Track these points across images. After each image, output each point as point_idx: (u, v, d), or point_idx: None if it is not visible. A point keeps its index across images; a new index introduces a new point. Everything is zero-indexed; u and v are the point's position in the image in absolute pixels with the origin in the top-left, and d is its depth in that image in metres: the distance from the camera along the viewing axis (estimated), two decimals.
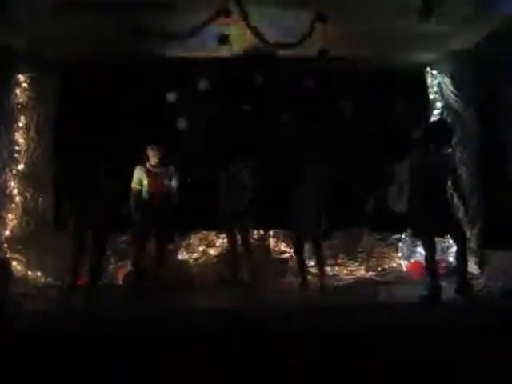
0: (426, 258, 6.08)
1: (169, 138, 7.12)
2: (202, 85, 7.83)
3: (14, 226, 7.39)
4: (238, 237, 7.17)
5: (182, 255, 7.70)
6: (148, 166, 6.70)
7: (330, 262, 7.62)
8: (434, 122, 7.57)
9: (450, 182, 6.17)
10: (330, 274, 7.31)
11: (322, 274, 6.85)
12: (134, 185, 6.65)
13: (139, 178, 6.66)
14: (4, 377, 3.95)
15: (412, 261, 7.56)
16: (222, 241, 7.69)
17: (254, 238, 7.67)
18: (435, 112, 8.06)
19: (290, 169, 6.95)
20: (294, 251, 7.04)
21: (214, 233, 7.81)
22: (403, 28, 6.73)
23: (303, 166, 6.84)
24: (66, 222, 6.49)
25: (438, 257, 7.49)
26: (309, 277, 7.04)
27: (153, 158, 6.68)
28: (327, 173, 6.75)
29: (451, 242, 7.68)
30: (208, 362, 4.16)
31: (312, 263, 7.22)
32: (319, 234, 6.84)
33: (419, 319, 5.34)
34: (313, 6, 6.23)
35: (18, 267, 7.23)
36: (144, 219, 6.59)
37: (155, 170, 6.68)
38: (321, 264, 6.89)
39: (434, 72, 8.10)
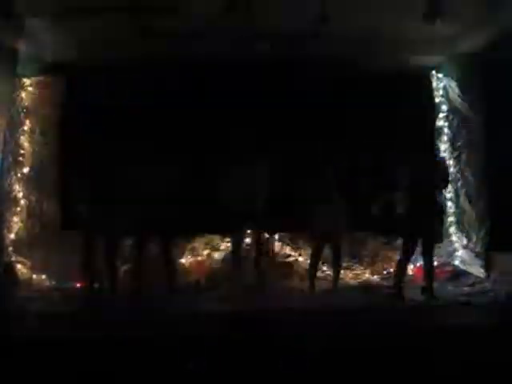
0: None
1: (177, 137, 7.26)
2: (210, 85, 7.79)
3: (19, 229, 7.41)
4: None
5: (187, 259, 7.68)
6: None
7: None
8: None
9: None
10: None
11: (336, 277, 6.93)
12: None
13: None
14: (7, 379, 3.96)
15: (418, 265, 7.50)
16: (226, 244, 7.66)
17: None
18: (441, 115, 8.03)
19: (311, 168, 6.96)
20: (314, 253, 6.96)
21: (218, 236, 7.79)
22: (408, 30, 6.71)
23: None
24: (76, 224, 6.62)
25: (443, 260, 7.57)
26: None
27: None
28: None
29: (457, 245, 7.71)
30: (210, 364, 4.15)
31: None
32: (341, 236, 6.93)
33: (420, 323, 5.37)
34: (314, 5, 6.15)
35: (23, 270, 7.25)
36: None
37: None
38: (338, 267, 6.97)
39: (440, 75, 8.07)
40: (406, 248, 6.50)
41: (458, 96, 7.71)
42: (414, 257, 7.41)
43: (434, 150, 7.37)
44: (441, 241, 6.92)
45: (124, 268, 6.97)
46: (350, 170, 7.29)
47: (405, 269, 6.60)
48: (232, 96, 7.75)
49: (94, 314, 5.74)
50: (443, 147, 8.00)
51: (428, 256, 6.55)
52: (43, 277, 7.30)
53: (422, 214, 6.32)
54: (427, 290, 6.46)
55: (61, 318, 5.65)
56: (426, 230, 6.45)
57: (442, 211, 6.82)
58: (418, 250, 6.66)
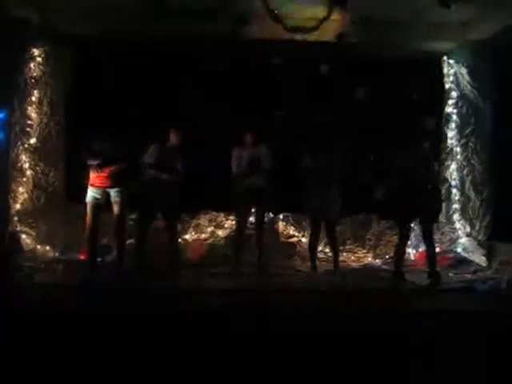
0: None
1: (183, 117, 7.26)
2: (217, 66, 7.80)
3: (24, 200, 7.42)
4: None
5: (191, 235, 7.71)
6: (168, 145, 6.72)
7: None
8: None
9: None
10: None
11: (336, 258, 6.88)
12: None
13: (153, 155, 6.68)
14: (12, 348, 4.00)
15: (420, 250, 7.53)
16: (231, 222, 7.65)
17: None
18: (450, 102, 7.99)
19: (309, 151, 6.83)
20: (312, 234, 6.92)
21: (223, 214, 7.81)
22: (421, 16, 6.69)
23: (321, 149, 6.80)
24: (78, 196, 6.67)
25: (445, 247, 7.59)
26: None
27: (173, 139, 6.71)
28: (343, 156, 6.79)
29: (460, 232, 7.72)
30: (210, 341, 4.19)
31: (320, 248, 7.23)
32: (336, 218, 6.88)
33: (421, 307, 5.41)
34: None
35: (28, 241, 7.29)
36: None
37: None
38: (336, 248, 6.92)
39: (451, 61, 7.99)
40: (401, 231, 6.52)
41: (468, 83, 7.67)
42: (416, 242, 7.51)
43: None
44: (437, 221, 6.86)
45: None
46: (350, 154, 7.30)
47: (402, 252, 6.59)
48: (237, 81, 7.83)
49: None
50: (451, 134, 7.95)
51: (428, 239, 6.53)
52: (47, 248, 7.35)
53: (418, 198, 6.31)
54: (433, 274, 6.47)
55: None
56: (424, 213, 6.42)
57: (438, 194, 6.79)
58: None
